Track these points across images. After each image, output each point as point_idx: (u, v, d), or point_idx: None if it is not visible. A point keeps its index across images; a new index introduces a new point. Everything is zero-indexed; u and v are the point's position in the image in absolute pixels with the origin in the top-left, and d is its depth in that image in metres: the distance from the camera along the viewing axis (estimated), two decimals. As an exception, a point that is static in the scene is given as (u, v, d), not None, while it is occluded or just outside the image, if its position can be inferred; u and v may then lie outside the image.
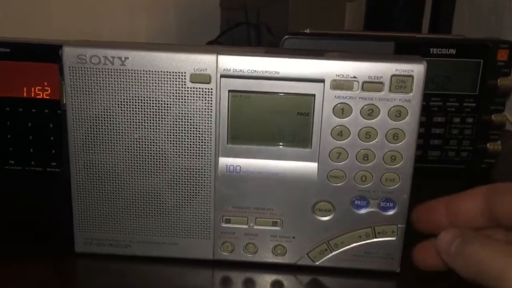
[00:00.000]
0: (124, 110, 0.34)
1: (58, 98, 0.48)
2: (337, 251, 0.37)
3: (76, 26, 0.80)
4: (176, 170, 0.35)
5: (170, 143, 0.35)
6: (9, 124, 0.49)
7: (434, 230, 0.35)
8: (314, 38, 0.54)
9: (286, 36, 0.54)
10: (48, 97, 0.48)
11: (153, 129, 0.35)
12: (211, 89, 0.34)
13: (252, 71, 0.33)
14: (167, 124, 0.34)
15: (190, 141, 0.35)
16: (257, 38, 0.82)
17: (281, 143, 0.35)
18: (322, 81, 0.33)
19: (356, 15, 0.90)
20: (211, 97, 0.34)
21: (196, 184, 0.36)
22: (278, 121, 0.35)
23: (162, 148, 0.35)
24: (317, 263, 0.37)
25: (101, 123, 0.35)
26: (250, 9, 0.83)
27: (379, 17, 0.86)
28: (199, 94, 0.34)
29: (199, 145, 0.35)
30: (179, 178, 0.36)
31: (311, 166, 0.35)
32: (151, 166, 0.35)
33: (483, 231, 0.34)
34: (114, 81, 0.34)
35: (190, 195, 0.36)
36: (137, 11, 0.96)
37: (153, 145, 0.35)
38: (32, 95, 0.48)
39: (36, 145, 0.49)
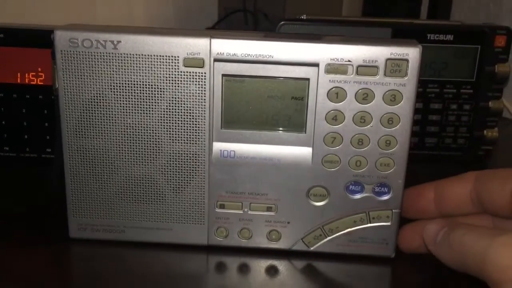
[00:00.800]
0: (116, 95, 0.34)
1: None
2: (331, 236, 0.37)
3: (74, 13, 0.80)
4: (170, 155, 0.35)
5: (164, 128, 0.35)
6: (3, 111, 0.48)
7: (421, 215, 0.35)
8: (311, 24, 0.53)
9: (282, 22, 0.53)
10: (42, 83, 0.48)
11: (146, 113, 0.34)
12: (205, 73, 0.33)
13: (246, 55, 0.33)
14: (160, 108, 0.34)
15: (184, 126, 0.35)
16: (254, 25, 0.82)
17: (275, 128, 0.35)
18: (316, 65, 0.33)
19: (354, 2, 0.89)
20: (204, 82, 0.34)
21: (190, 169, 0.36)
22: (272, 105, 0.35)
23: (155, 133, 0.35)
24: (311, 248, 0.37)
25: (94, 107, 0.34)
26: (247, -5, 0.83)
27: (377, 4, 0.85)
28: (193, 78, 0.34)
29: (192, 130, 0.35)
30: (173, 163, 0.35)
31: (306, 151, 0.35)
32: (144, 151, 0.35)
33: (470, 217, 0.34)
34: (107, 65, 0.33)
35: (184, 180, 0.36)
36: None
37: (147, 130, 0.35)
38: (26, 81, 0.48)
39: (30, 131, 0.49)
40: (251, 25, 0.83)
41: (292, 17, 0.56)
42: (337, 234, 0.37)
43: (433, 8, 0.79)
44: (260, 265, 0.37)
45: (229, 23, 0.88)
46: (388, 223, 0.36)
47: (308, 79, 0.33)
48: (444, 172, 0.56)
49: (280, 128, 0.35)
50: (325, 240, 0.37)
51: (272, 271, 0.36)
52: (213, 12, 0.94)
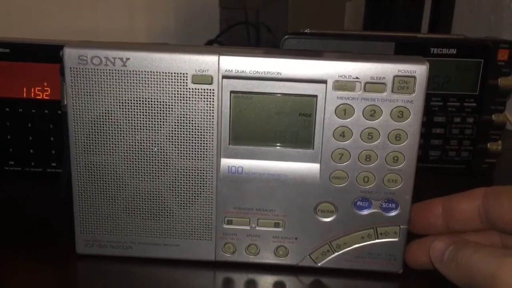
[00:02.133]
0: (125, 111, 0.34)
1: (58, 98, 0.48)
2: (339, 252, 0.37)
3: (76, 26, 0.80)
4: (178, 171, 0.35)
5: (172, 144, 0.35)
6: (8, 125, 0.49)
7: (429, 230, 0.35)
8: (314, 38, 0.54)
9: (286, 36, 0.54)
10: (48, 98, 0.48)
11: (155, 130, 0.34)
12: (213, 90, 0.34)
13: (254, 72, 0.33)
14: (169, 125, 0.34)
15: (192, 142, 0.35)
16: (257, 37, 0.82)
17: (283, 144, 0.35)
18: (324, 82, 0.33)
19: (356, 15, 0.90)
20: (212, 98, 0.34)
21: (198, 185, 0.36)
22: (280, 122, 0.35)
23: (163, 149, 0.35)
24: (319, 264, 0.37)
25: (103, 124, 0.34)
26: (249, 8, 0.83)
27: (379, 17, 0.85)
28: (201, 95, 0.34)
29: (201, 146, 0.35)
30: (180, 180, 0.35)
31: (313, 167, 0.35)
32: (152, 167, 0.35)
33: (479, 233, 0.34)
34: (116, 82, 0.33)
35: (192, 196, 0.36)
36: (137, 10, 0.95)
37: (155, 147, 0.35)
38: (32, 96, 0.48)
39: (36, 146, 0.49)
40: (253, 38, 0.83)
41: (295, 31, 0.56)
42: (344, 250, 0.37)
43: (434, 21, 0.79)
44: (267, 281, 0.37)
45: (230, 35, 0.88)
46: (396, 239, 0.36)
47: (316, 96, 0.34)
48: (448, 185, 0.56)
49: (288, 145, 0.35)
50: (333, 256, 0.37)
51: (279, 287, 0.36)
52: (215, 24, 0.94)
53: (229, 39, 0.88)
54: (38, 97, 0.48)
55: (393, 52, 0.53)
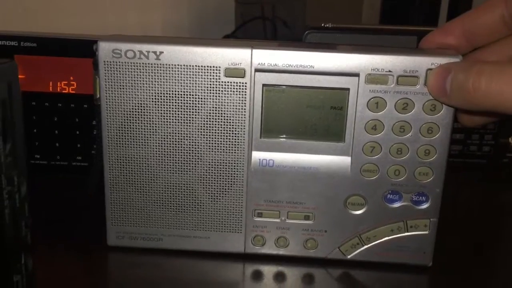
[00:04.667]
0: (158, 104, 0.34)
1: (84, 92, 0.48)
2: (368, 245, 0.37)
3: (88, 21, 0.80)
4: (209, 164, 0.36)
5: (204, 137, 0.35)
6: (35, 119, 0.49)
7: None
8: (337, 32, 0.54)
9: (308, 31, 0.54)
10: (74, 92, 0.48)
11: (187, 123, 0.35)
12: (245, 83, 0.34)
13: (287, 65, 0.33)
14: (201, 118, 0.35)
15: (224, 135, 0.35)
16: (273, 32, 0.82)
17: (314, 137, 0.35)
18: (357, 75, 0.33)
19: (373, 9, 0.89)
20: (245, 91, 0.34)
21: (229, 178, 0.36)
22: (311, 115, 0.35)
23: (195, 142, 0.35)
24: (348, 256, 0.37)
25: (136, 117, 0.35)
26: (265, 3, 0.83)
27: (396, 11, 0.85)
28: (233, 88, 0.34)
29: (232, 139, 0.35)
30: (212, 172, 0.36)
31: (344, 160, 0.35)
32: (184, 160, 0.36)
33: (503, 42, 0.33)
34: (149, 75, 0.34)
35: (223, 189, 0.36)
36: (151, 5, 0.96)
37: (187, 139, 0.35)
38: (58, 90, 0.48)
39: (61, 140, 0.50)
40: (269, 32, 0.83)
41: (317, 26, 0.56)
42: (374, 243, 0.37)
43: (452, 13, 0.79)
44: (296, 273, 0.37)
45: (246, 30, 0.88)
46: (426, 232, 0.36)
47: (348, 89, 0.34)
48: (469, 180, 0.56)
49: (319, 138, 0.35)
50: (362, 248, 0.37)
51: (308, 279, 0.37)
52: (230, 20, 0.95)
53: (245, 34, 0.88)
54: (64, 91, 0.48)
55: (416, 46, 0.53)
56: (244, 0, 0.90)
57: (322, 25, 0.57)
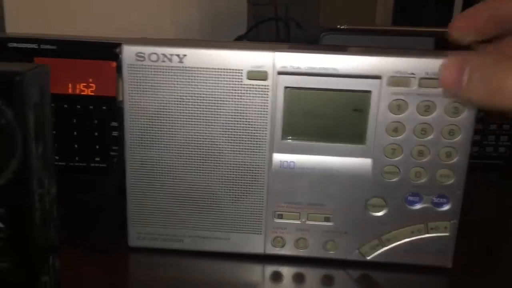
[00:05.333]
0: (180, 107, 0.35)
1: (102, 94, 0.49)
2: (388, 247, 0.37)
3: (100, 23, 0.81)
4: (231, 166, 0.36)
5: (225, 140, 0.35)
6: (54, 120, 0.49)
7: (478, 38, 0.33)
8: (353, 34, 0.54)
9: (324, 33, 0.54)
10: (92, 94, 0.49)
11: (209, 125, 0.35)
12: (268, 85, 0.34)
13: (310, 68, 0.33)
14: (223, 120, 0.35)
15: (245, 137, 0.35)
16: (287, 33, 0.82)
17: (335, 139, 0.35)
18: (379, 77, 0.33)
19: (387, 9, 0.89)
20: (267, 94, 0.34)
21: (250, 180, 0.36)
22: (333, 117, 0.35)
23: (217, 144, 0.35)
24: (368, 258, 0.37)
25: (158, 119, 0.35)
26: (279, 4, 0.83)
27: (408, 12, 0.85)
28: (256, 91, 0.34)
29: (254, 141, 0.35)
30: (233, 174, 0.36)
31: (366, 162, 0.35)
32: (206, 162, 0.36)
33: None
34: (172, 78, 0.34)
35: (244, 190, 0.36)
36: (162, 6, 0.96)
37: (209, 142, 0.35)
38: (77, 92, 0.49)
39: (80, 141, 0.50)
40: (282, 34, 0.83)
41: (332, 27, 0.56)
42: (394, 244, 0.37)
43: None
44: (315, 274, 0.37)
45: (258, 32, 0.88)
46: (446, 234, 0.36)
47: (370, 92, 0.34)
48: (486, 181, 0.56)
49: (340, 140, 0.35)
50: (382, 250, 0.37)
51: (327, 280, 0.37)
52: (242, 21, 0.95)
53: (257, 36, 0.88)
54: (83, 93, 0.49)
55: (433, 47, 0.53)
56: (257, 1, 0.90)
57: (338, 26, 0.57)
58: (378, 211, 0.36)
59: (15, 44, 0.47)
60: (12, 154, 0.22)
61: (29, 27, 0.57)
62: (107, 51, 0.45)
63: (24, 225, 0.24)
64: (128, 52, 0.34)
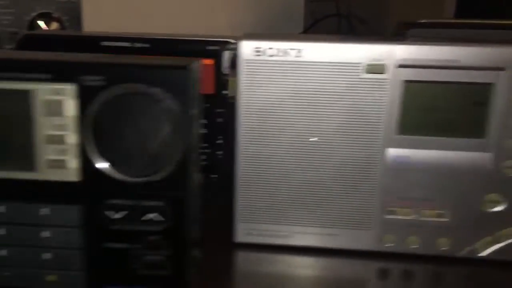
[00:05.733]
0: (295, 101, 0.34)
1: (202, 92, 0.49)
2: (502, 244, 0.36)
3: (160, 25, 0.82)
4: (343, 161, 0.35)
5: (339, 134, 0.35)
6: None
7: None
8: (439, 27, 0.53)
9: (411, 27, 0.53)
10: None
11: (323, 119, 0.35)
12: (386, 79, 0.34)
13: (431, 61, 0.33)
14: (338, 115, 0.34)
15: (360, 132, 0.35)
16: (349, 30, 0.82)
17: (454, 134, 0.35)
18: (502, 69, 0.33)
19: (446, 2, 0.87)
20: (385, 88, 0.34)
21: (362, 175, 0.36)
22: (452, 111, 0.34)
23: (330, 139, 0.35)
24: (480, 255, 0.37)
25: (272, 114, 0.35)
26: (340, 0, 0.83)
27: (472, 4, 0.83)
28: (373, 84, 0.34)
29: (368, 135, 0.35)
30: (345, 169, 0.36)
31: (485, 157, 0.35)
32: (317, 157, 0.36)
33: None
34: (288, 72, 0.34)
35: (355, 186, 0.36)
36: (217, 5, 0.96)
37: (322, 136, 0.35)
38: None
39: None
40: (344, 30, 0.82)
41: (411, 22, 0.55)
42: (508, 241, 0.36)
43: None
44: (425, 271, 0.36)
45: (317, 29, 0.88)
46: None
47: (492, 84, 0.33)
48: None
49: (458, 134, 0.35)
50: (495, 247, 0.36)
51: (436, 278, 0.36)
52: (299, 19, 0.94)
53: (316, 33, 0.88)
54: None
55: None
56: (316, -2, 0.90)
57: (417, 21, 0.56)
58: (495, 207, 0.35)
59: (107, 43, 0.48)
60: (178, 147, 0.22)
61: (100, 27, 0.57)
62: (200, 49, 0.45)
63: (182, 218, 0.24)
64: (246, 47, 0.34)
